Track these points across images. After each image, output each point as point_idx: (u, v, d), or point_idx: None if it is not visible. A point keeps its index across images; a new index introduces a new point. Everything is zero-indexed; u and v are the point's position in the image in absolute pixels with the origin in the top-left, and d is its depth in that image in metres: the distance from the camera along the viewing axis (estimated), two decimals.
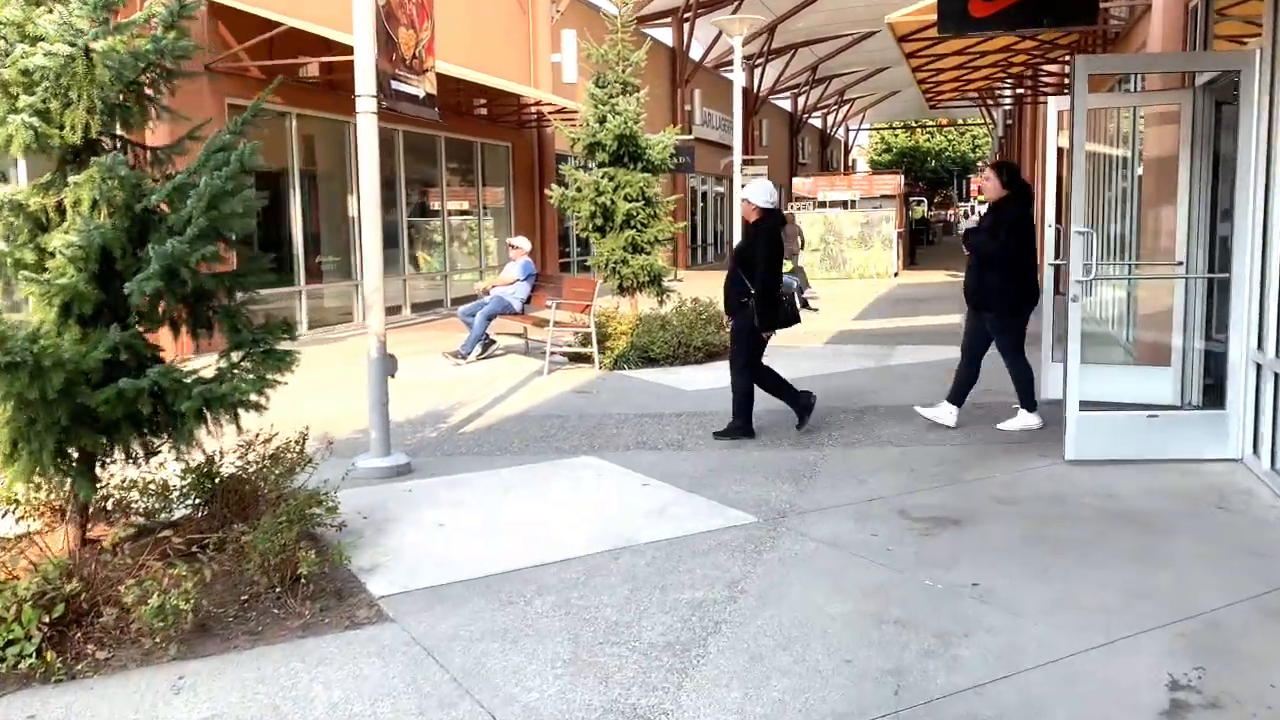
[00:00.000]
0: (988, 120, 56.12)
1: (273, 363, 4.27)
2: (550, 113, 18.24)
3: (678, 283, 24.81)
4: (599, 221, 11.18)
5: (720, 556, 4.62)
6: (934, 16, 10.60)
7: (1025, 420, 7.30)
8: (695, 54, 30.16)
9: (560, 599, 4.17)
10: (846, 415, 7.92)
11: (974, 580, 4.28)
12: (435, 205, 17.33)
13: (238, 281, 4.35)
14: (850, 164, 63.76)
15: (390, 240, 15.96)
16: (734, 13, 29.93)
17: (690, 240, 30.49)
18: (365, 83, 5.96)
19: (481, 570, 4.53)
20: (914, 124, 68.19)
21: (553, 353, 11.07)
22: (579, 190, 11.15)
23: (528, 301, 11.49)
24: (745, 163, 36.94)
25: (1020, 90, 19.72)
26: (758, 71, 37.27)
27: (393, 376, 6.38)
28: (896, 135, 69.47)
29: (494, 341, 11.36)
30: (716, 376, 9.80)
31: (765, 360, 7.38)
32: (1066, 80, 15.68)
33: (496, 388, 9.53)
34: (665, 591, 4.21)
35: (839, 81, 48.94)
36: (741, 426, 7.18)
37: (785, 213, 16.11)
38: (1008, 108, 28.36)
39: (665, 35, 29.28)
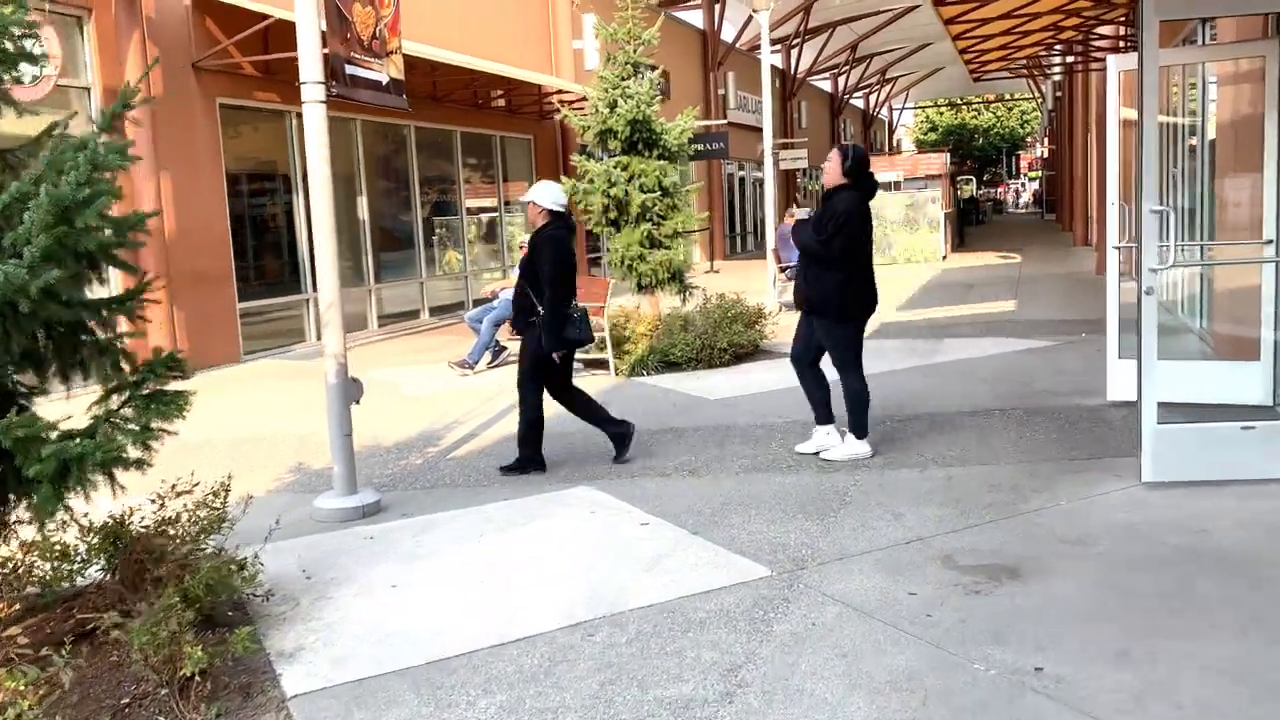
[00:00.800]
0: (1036, 94, 54.28)
1: (160, 408, 3.48)
2: (572, 102, 17.40)
3: (714, 274, 23.99)
4: (613, 215, 10.32)
5: (720, 631, 3.75)
6: None
7: (854, 448, 6.22)
8: (728, 36, 29.13)
9: (512, 699, 3.33)
10: (886, 427, 6.99)
11: (1037, 663, 3.37)
12: (453, 203, 16.59)
13: (119, 309, 3.56)
14: (895, 144, 62.15)
15: (406, 242, 15.26)
16: None
17: (728, 229, 29.53)
18: (310, 67, 5.16)
19: (425, 654, 3.70)
20: (959, 101, 66.31)
21: None
22: (590, 182, 10.30)
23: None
24: (782, 146, 35.88)
25: (1071, 58, 18.49)
26: (794, 52, 36.13)
27: (356, 403, 5.59)
28: (942, 113, 67.66)
29: (505, 349, 10.55)
30: (743, 382, 8.91)
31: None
32: (1123, 41, 14.53)
33: (500, 402, 8.72)
34: (645, 687, 3.35)
35: (880, 60, 47.50)
36: (530, 457, 6.26)
37: (789, 215, 15.01)
38: (1057, 78, 27.00)
39: (696, 18, 28.30)
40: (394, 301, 14.93)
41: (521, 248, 6.75)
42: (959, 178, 39.87)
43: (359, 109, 13.56)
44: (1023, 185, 79.30)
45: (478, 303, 12.45)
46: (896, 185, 24.52)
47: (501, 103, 17.27)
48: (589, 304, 9.81)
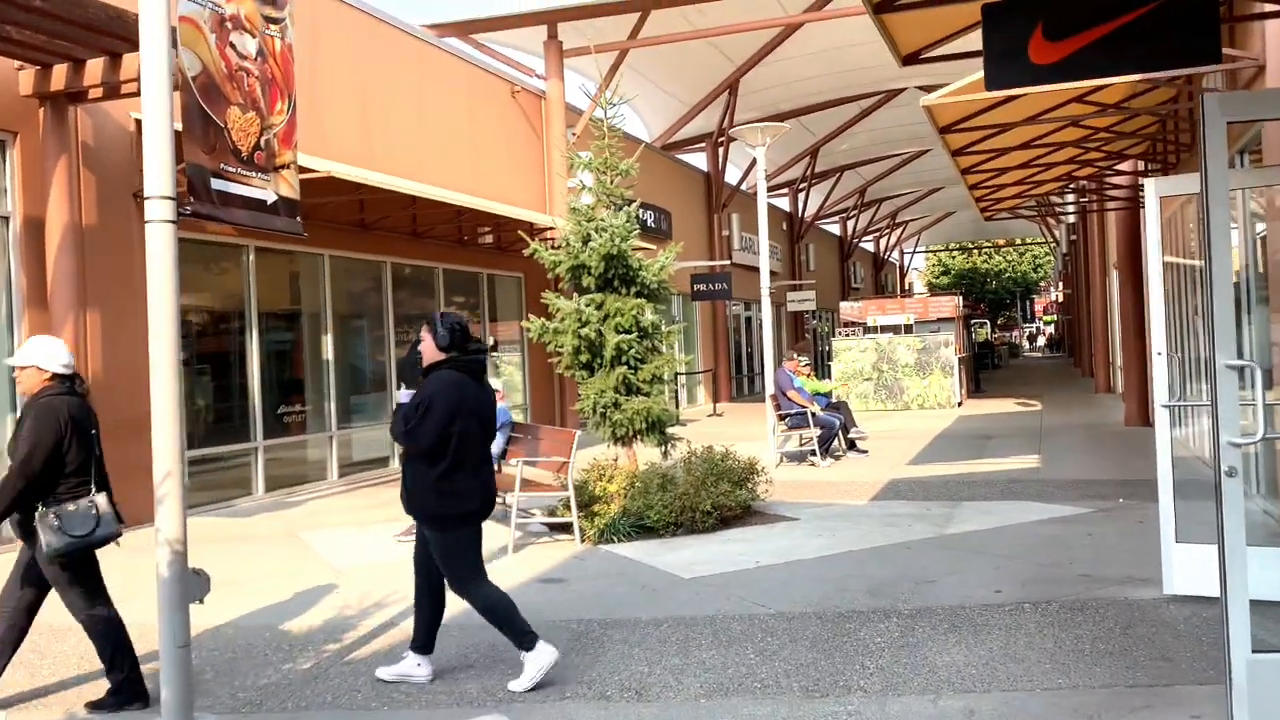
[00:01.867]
0: (1049, 237, 54.08)
1: None
2: (551, 238, 16.61)
3: (716, 418, 22.80)
4: (585, 357, 9.22)
5: None
6: (979, 96, 8.72)
7: (538, 663, 4.90)
8: (733, 178, 28.77)
9: None
10: (889, 626, 5.64)
11: None
12: None
13: None
14: (907, 287, 61.84)
15: (378, 383, 14.18)
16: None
17: (733, 370, 28.52)
18: (156, 180, 4.12)
19: None
20: (971, 245, 66.33)
21: (525, 523, 9.02)
22: (561, 321, 9.24)
23: (503, 456, 9.48)
24: (790, 288, 35.27)
25: (1085, 198, 17.68)
26: (801, 196, 35.91)
27: (200, 601, 4.33)
28: (954, 257, 67.61)
29: None
30: (726, 555, 7.60)
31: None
32: (1143, 176, 13.62)
33: None
34: None
35: (890, 204, 47.50)
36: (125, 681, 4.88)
37: (791, 359, 14.13)
38: (1071, 219, 26.32)
39: (700, 161, 28.00)
40: (361, 447, 13.76)
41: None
42: (973, 320, 39.01)
43: (320, 243, 12.71)
44: (1037, 329, 78.75)
45: None
46: (908, 328, 23.54)
47: (490, 239, 16.48)
48: (552, 458, 8.63)
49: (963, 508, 9.28)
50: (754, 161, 28.99)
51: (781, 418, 13.26)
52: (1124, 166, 15.07)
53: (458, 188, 13.99)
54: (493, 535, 8.62)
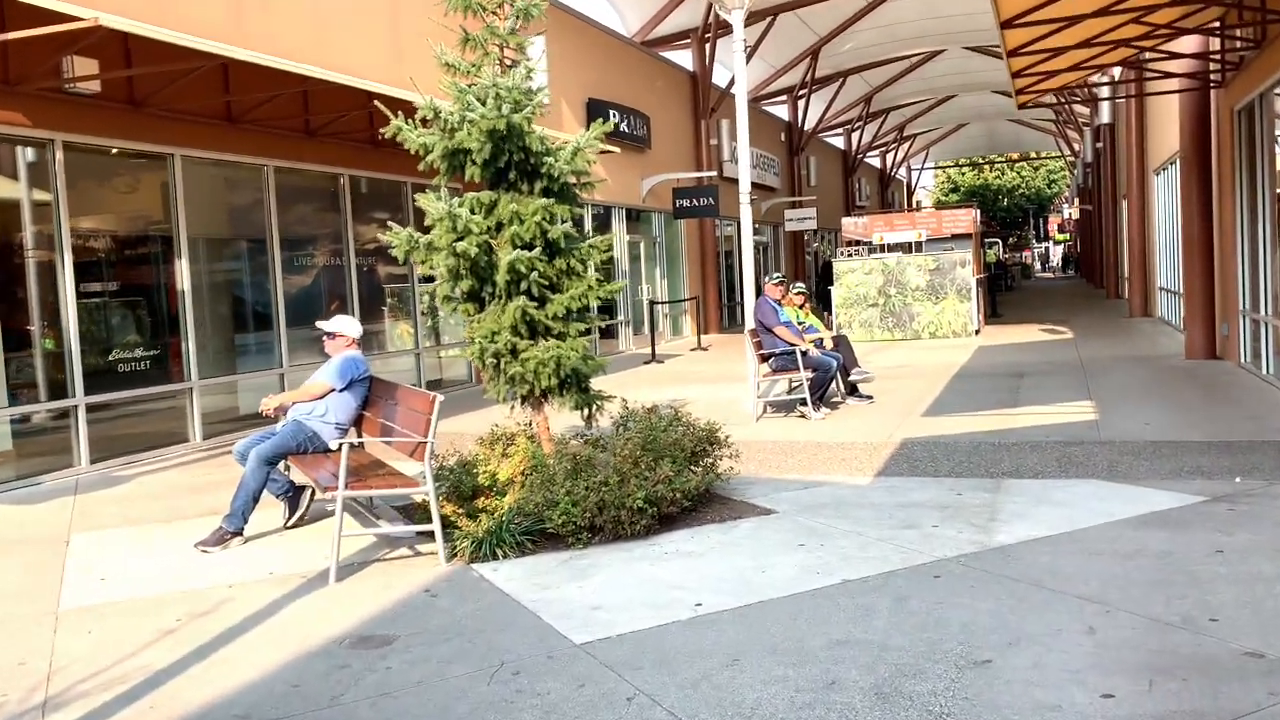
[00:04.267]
0: (1067, 151, 50.65)
1: None
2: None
3: (700, 352, 19.97)
4: (467, 285, 6.40)
5: None
6: None
7: None
8: (722, 81, 25.54)
9: None
10: None
11: None
12: (345, 266, 12.77)
13: None
14: (915, 205, 58.49)
15: (263, 320, 11.40)
16: (765, 33, 25.39)
17: (722, 298, 25.66)
18: None
19: None
20: (982, 160, 62.82)
21: (383, 532, 6.36)
22: (435, 231, 6.41)
23: (358, 426, 6.75)
24: (790, 204, 32.19)
25: (1141, 78, 14.65)
26: (801, 104, 32.62)
27: None
28: (964, 173, 64.15)
29: (298, 493, 6.59)
30: (655, 587, 4.87)
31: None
32: (1214, 59, 10.55)
33: (221, 619, 4.76)
34: None
35: (897, 115, 44.08)
36: None
37: (779, 284, 11.19)
38: (1102, 123, 23.22)
39: (685, 59, 24.76)
40: (238, 399, 11.04)
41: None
42: (985, 240, 36.02)
43: (166, 138, 9.89)
44: (1046, 250, 75.46)
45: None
46: (918, 246, 20.62)
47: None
48: (403, 439, 5.89)
49: (1007, 491, 6.55)
50: (748, 60, 25.83)
51: (764, 358, 10.49)
52: (1190, 42, 12.07)
53: (374, 76, 11.01)
54: (317, 549, 5.88)
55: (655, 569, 5.25)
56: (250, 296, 11.46)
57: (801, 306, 11.43)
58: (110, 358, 9.49)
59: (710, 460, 6.76)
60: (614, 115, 19.39)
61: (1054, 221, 67.84)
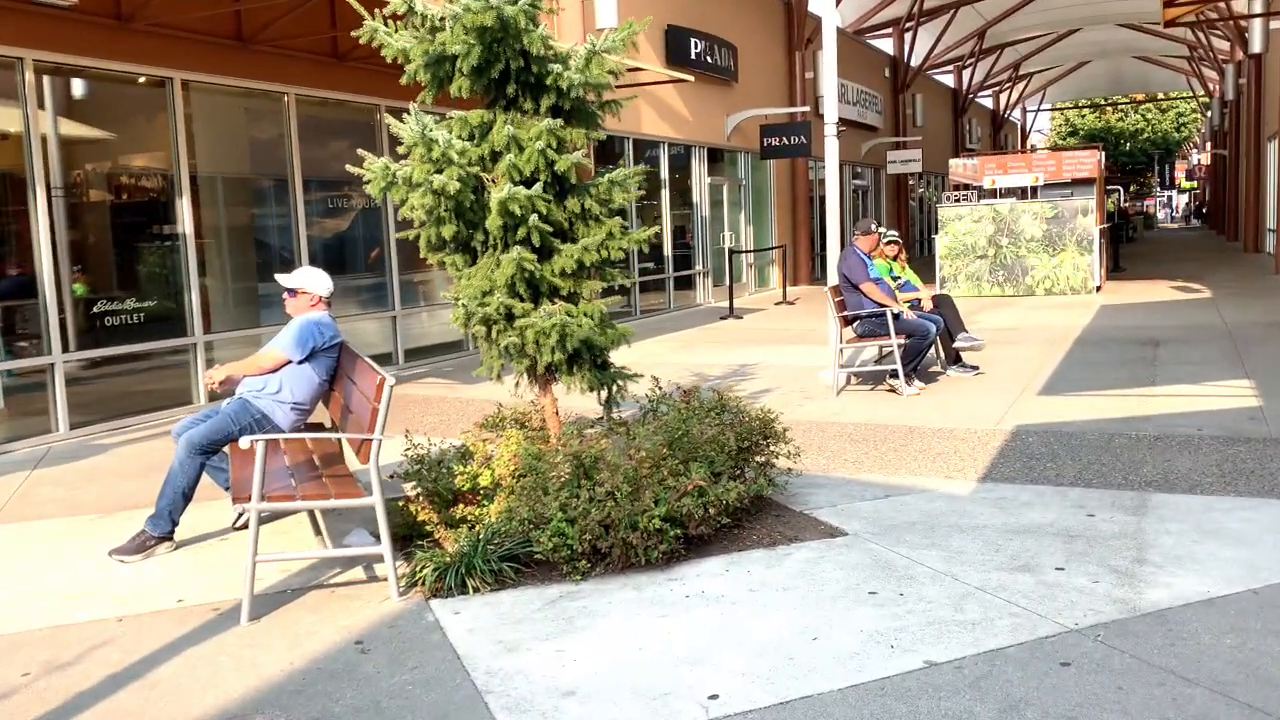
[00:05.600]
0: (1200, 93, 46.71)
1: None
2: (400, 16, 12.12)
3: (786, 306, 18.31)
4: (452, 229, 5.01)
5: None
6: None
7: None
8: (819, 11, 23.49)
9: None
10: None
11: None
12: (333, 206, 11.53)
13: None
14: (1029, 149, 55.04)
15: (284, 269, 10.22)
16: None
17: (815, 247, 23.83)
18: None
19: None
20: (1104, 102, 58.68)
21: (334, 555, 5.09)
22: (401, 160, 5.03)
23: (325, 402, 5.46)
24: (893, 145, 29.96)
25: None
26: (907, 37, 30.19)
27: None
28: (1083, 115, 60.10)
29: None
30: (663, 662, 3.40)
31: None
32: None
33: (79, 676, 3.53)
34: None
35: (1012, 52, 41.01)
36: None
37: (868, 232, 9.37)
38: (1254, 52, 20.51)
39: None
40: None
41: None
42: (1108, 186, 33.21)
43: (165, 61, 8.69)
44: (1170, 198, 70.79)
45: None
46: (1033, 191, 18.49)
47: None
48: (354, 434, 4.56)
49: (1156, 512, 4.93)
50: None
51: (848, 321, 8.89)
52: None
53: None
54: (234, 577, 4.58)
55: (668, 623, 3.84)
56: (274, 241, 10.30)
57: (895, 258, 9.76)
58: (96, 310, 8.41)
59: (764, 459, 5.29)
60: (696, 44, 17.70)
61: (1181, 168, 63.36)
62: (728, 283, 17.10)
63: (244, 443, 4.19)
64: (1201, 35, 34.14)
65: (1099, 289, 17.40)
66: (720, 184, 19.90)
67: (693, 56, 17.55)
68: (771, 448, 5.38)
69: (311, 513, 5.31)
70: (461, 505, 4.79)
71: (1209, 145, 45.85)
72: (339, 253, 11.11)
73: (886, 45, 31.08)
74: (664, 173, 17.58)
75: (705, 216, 19.09)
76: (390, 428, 7.97)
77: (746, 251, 20.65)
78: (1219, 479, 5.42)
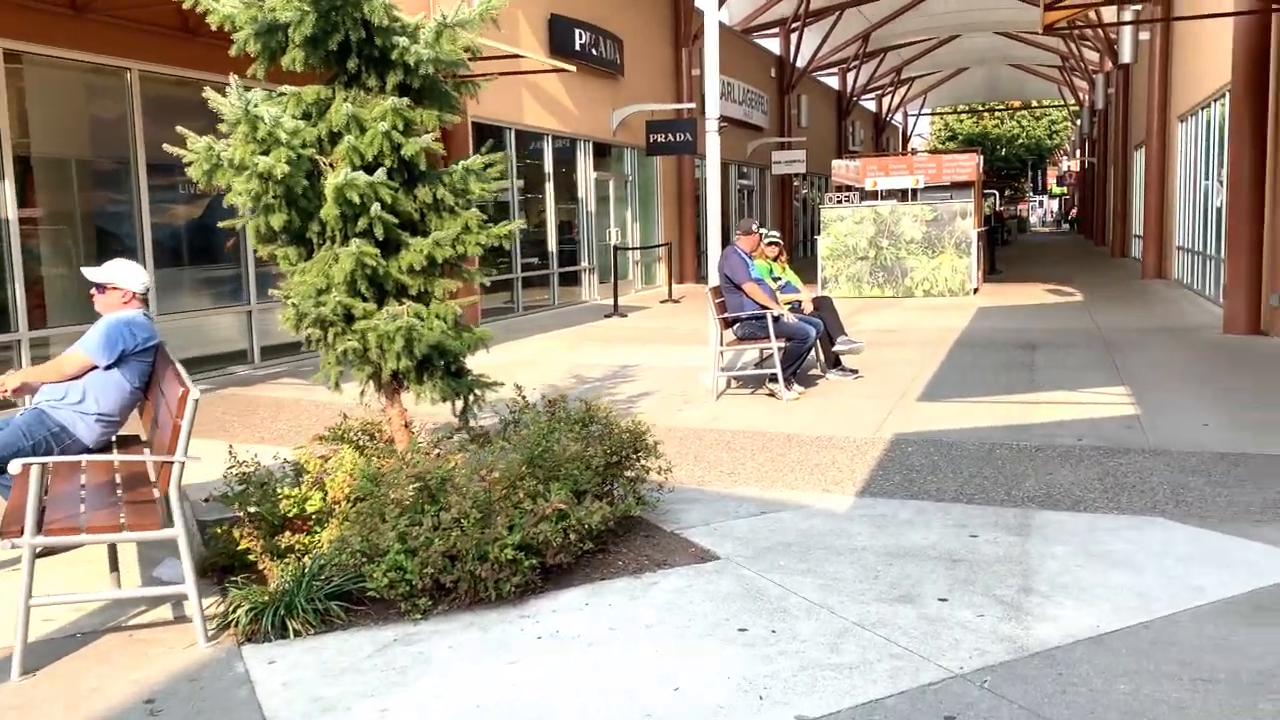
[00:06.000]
0: (1071, 101, 48.37)
1: None
2: None
3: (672, 305, 18.01)
4: (283, 219, 4.45)
5: None
6: None
7: None
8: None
9: None
10: None
11: None
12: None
13: None
14: (910, 152, 56.24)
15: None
16: None
17: (701, 245, 23.62)
18: None
19: None
20: (982, 107, 60.44)
21: (141, 594, 4.47)
22: (222, 137, 4.45)
23: (140, 411, 4.83)
24: (778, 146, 30.03)
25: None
26: (794, 38, 30.29)
27: None
28: (962, 120, 61.79)
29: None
30: (510, 708, 2.97)
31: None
32: None
33: None
34: None
35: (895, 56, 41.76)
36: None
37: (749, 232, 9.05)
38: (1123, 62, 21.11)
39: None
40: None
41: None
42: (985, 190, 34.01)
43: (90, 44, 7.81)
44: (1042, 203, 73.36)
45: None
46: (914, 194, 18.62)
47: None
48: (156, 456, 3.96)
49: (1041, 532, 4.70)
50: None
51: (728, 323, 8.57)
52: None
53: None
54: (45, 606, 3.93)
55: (515, 672, 3.39)
56: (115, 228, 9.45)
57: (776, 259, 9.50)
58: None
59: (633, 475, 4.88)
60: (581, 35, 17.24)
61: (1053, 174, 65.72)
62: (613, 280, 16.70)
63: (14, 467, 3.56)
64: (1073, 46, 35.30)
65: (976, 291, 17.61)
66: (607, 179, 19.50)
67: (577, 48, 17.08)
68: (643, 462, 4.98)
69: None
70: (289, 533, 4.24)
71: (1079, 152, 47.56)
72: (189, 241, 10.29)
73: (773, 45, 31.15)
74: (548, 166, 17.08)
75: (591, 212, 18.67)
76: (236, 433, 7.31)
77: (633, 248, 20.31)
78: (1102, 494, 5.24)
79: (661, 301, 18.14)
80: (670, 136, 19.60)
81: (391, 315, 4.41)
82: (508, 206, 16.07)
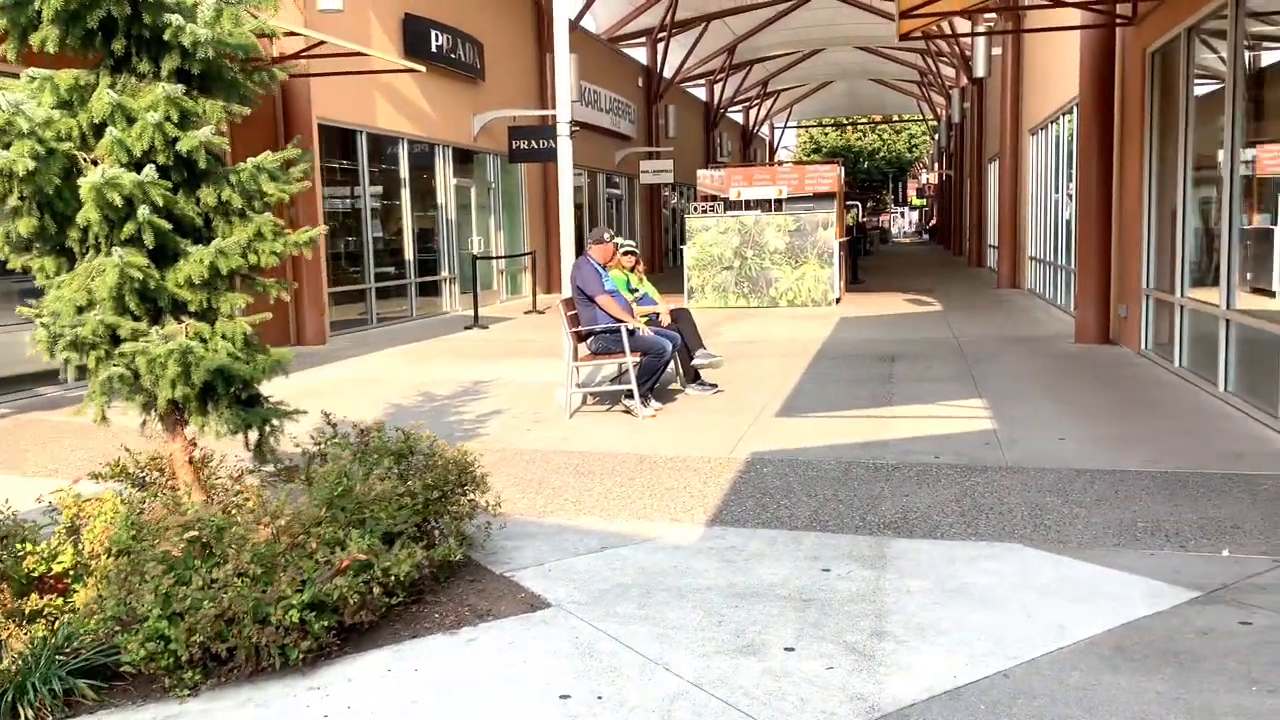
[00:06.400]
0: (929, 114, 49.87)
1: None
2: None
3: (536, 316, 17.51)
4: (31, 224, 3.80)
5: None
6: None
7: None
8: (572, 12, 22.88)
9: None
10: None
11: None
12: None
13: None
14: (776, 163, 57.10)
15: None
16: None
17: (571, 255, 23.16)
18: None
19: None
20: (846, 121, 61.90)
21: None
22: None
23: None
24: (646, 155, 29.85)
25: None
26: (660, 47, 30.19)
27: None
28: (826, 134, 63.13)
29: None
30: None
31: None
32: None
33: None
34: None
35: (761, 69, 42.23)
36: None
37: (601, 241, 8.73)
38: (978, 76, 21.65)
39: None
40: None
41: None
42: (847, 201, 34.61)
43: None
44: (903, 214, 75.60)
45: None
46: (778, 204, 18.58)
47: None
48: None
49: (896, 564, 4.39)
50: None
51: (581, 337, 8.13)
52: None
53: None
54: None
55: None
56: None
57: (633, 269, 9.13)
58: None
59: (455, 512, 4.38)
60: (438, 36, 16.60)
61: (913, 186, 67.76)
62: (473, 290, 16.08)
63: None
64: (931, 62, 36.31)
65: (839, 301, 17.66)
66: (469, 186, 18.86)
67: (434, 49, 16.42)
68: (470, 497, 4.48)
69: None
70: (37, 595, 3.59)
71: (938, 165, 49.06)
72: None
73: (641, 55, 30.99)
74: (405, 172, 16.37)
75: (452, 219, 18.01)
76: (27, 466, 6.48)
77: (496, 257, 19.71)
78: (959, 518, 4.99)
79: (526, 312, 17.61)
80: (533, 143, 19.10)
81: (165, 336, 3.80)
82: (360, 213, 15.31)
